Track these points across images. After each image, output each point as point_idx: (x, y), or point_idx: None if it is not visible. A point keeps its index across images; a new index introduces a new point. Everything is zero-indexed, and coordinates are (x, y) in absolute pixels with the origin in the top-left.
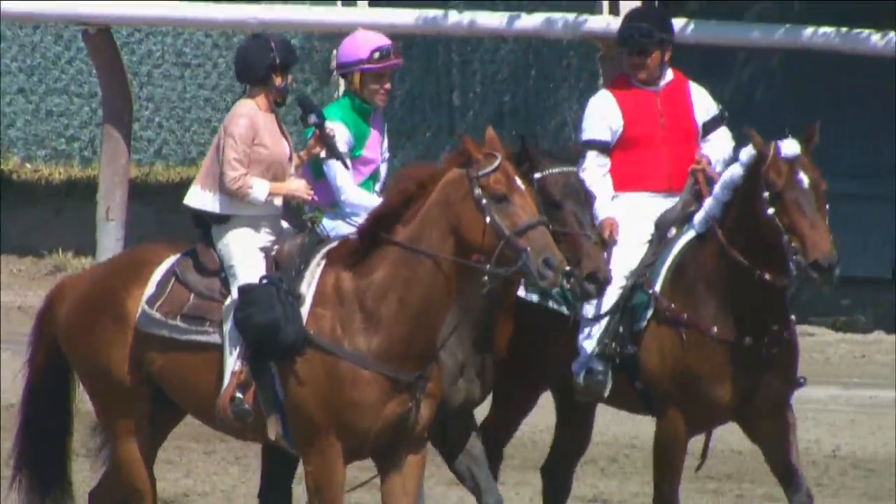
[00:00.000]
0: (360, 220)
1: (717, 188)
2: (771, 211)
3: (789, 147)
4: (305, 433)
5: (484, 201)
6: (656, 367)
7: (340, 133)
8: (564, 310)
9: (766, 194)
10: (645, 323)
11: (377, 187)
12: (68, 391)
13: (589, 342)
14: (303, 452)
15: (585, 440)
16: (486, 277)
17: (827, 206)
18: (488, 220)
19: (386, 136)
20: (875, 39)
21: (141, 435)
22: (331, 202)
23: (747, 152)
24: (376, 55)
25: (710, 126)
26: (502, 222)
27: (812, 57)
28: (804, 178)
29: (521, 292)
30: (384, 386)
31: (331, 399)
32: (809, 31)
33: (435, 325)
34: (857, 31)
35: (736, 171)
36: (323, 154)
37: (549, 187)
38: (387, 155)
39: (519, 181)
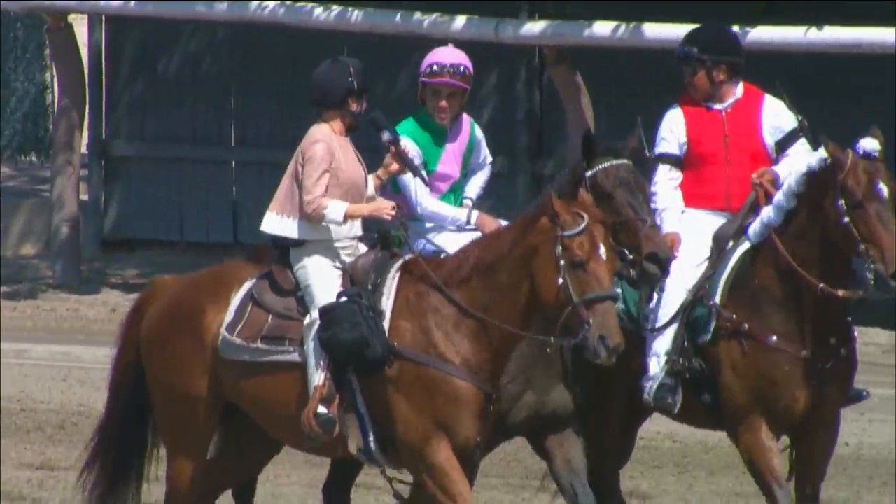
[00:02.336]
0: (440, 236)
1: (778, 196)
2: (846, 220)
3: (869, 144)
4: (411, 443)
5: (562, 262)
6: (729, 379)
7: (409, 150)
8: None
9: (842, 202)
10: (709, 336)
11: (473, 194)
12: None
13: (655, 359)
14: (412, 465)
15: (629, 453)
16: (552, 339)
17: None
18: (560, 281)
19: (482, 145)
20: (318, 12)
21: (201, 458)
22: (410, 216)
23: (817, 159)
24: (427, 70)
25: (787, 141)
26: (573, 288)
27: (259, 30)
28: (884, 188)
29: None
30: (478, 395)
31: (431, 405)
32: (254, 4)
33: (509, 348)
34: (301, 4)
35: (800, 178)
36: (400, 170)
37: (600, 182)
38: (489, 160)
39: (603, 249)
